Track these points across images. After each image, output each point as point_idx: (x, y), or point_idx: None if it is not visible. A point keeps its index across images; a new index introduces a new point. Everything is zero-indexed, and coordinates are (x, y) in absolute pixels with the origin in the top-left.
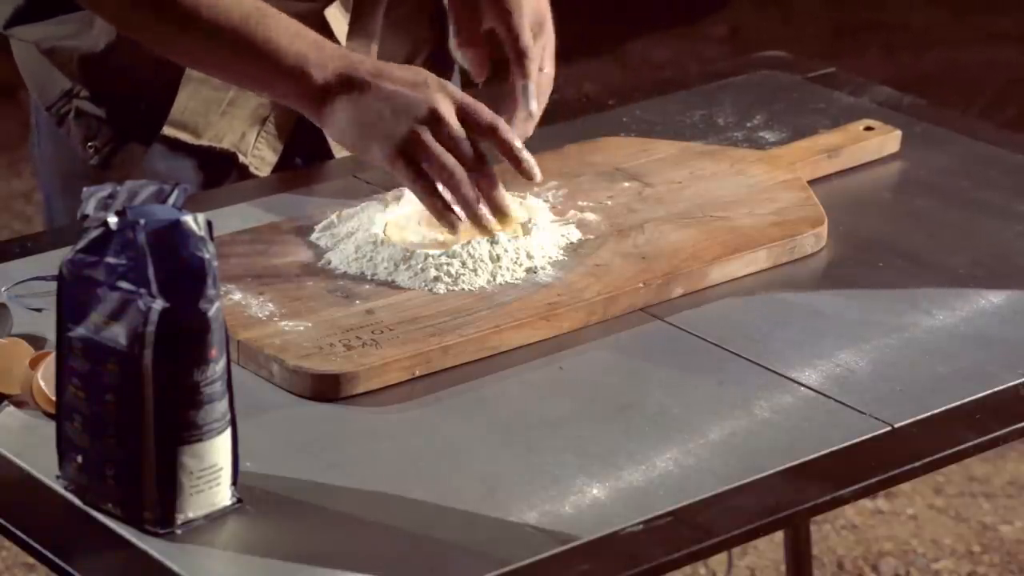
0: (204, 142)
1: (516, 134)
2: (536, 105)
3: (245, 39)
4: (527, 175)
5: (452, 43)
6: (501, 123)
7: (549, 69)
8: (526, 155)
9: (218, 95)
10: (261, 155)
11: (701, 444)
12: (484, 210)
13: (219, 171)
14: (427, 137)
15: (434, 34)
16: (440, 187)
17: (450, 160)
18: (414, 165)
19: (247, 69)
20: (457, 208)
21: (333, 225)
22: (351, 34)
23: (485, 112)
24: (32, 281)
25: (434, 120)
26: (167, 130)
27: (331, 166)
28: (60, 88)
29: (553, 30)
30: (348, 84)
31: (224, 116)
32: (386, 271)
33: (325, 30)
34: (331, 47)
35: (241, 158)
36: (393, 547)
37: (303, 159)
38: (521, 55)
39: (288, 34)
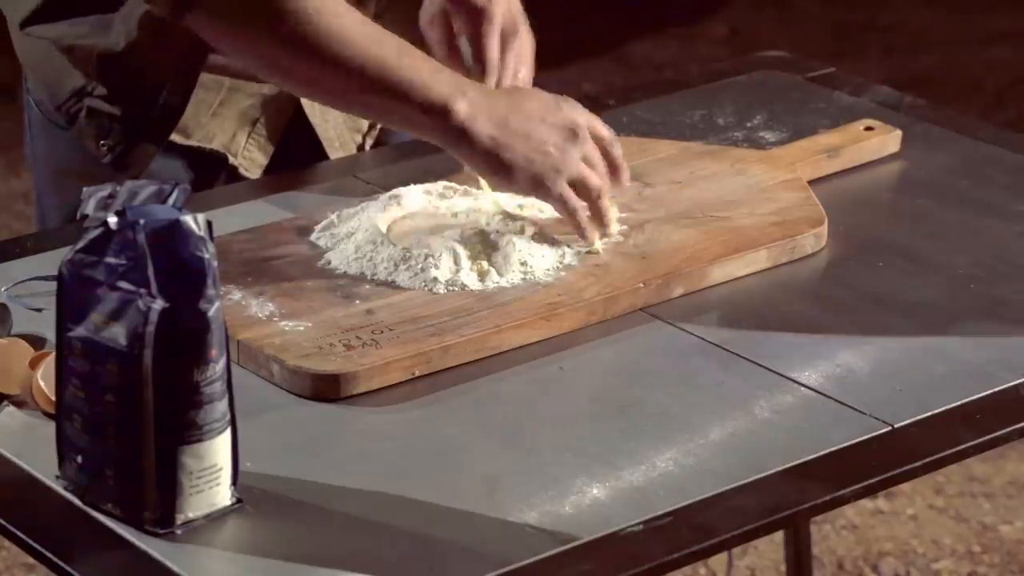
0: (194, 142)
1: None
2: None
3: (386, 77)
4: (620, 186)
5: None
6: (616, 142)
7: (525, 73)
8: (626, 173)
9: (209, 96)
10: (251, 156)
11: (701, 444)
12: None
13: (210, 172)
14: (571, 158)
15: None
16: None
17: (594, 179)
18: (559, 187)
19: (388, 105)
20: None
21: (333, 225)
22: None
23: (604, 129)
24: (32, 281)
25: (576, 140)
26: None
27: (330, 166)
28: (72, 86)
29: (530, 32)
30: (489, 117)
31: (215, 117)
32: (386, 271)
33: None
34: (467, 82)
35: (231, 159)
36: (393, 547)
37: (295, 161)
38: (486, 70)
39: (428, 70)
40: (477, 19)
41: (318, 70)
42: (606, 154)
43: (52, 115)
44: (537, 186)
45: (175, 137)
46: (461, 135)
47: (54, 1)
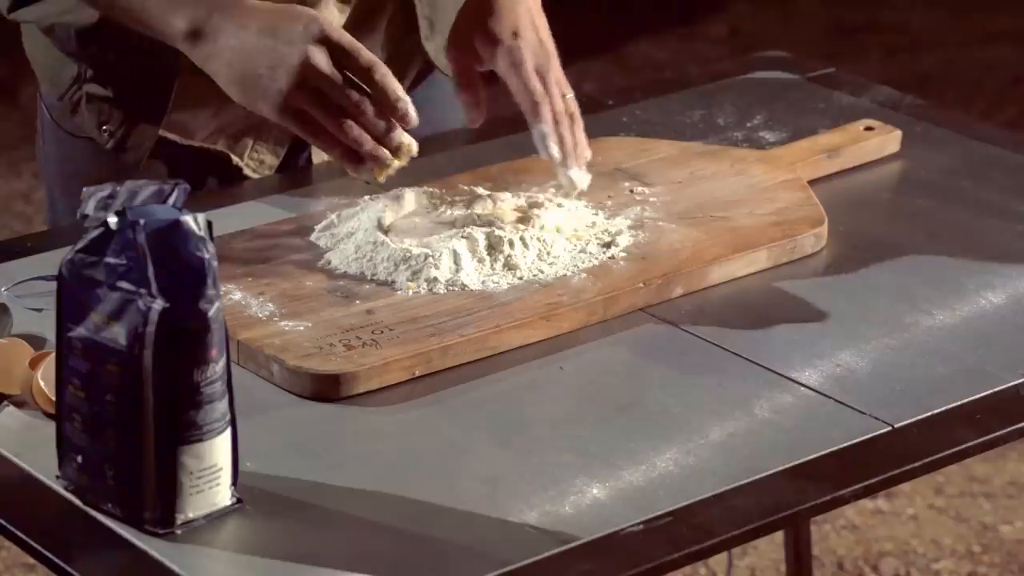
0: (196, 142)
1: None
2: (557, 150)
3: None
4: (404, 121)
5: (453, 88)
6: (379, 66)
7: (571, 96)
8: (403, 102)
9: (211, 97)
10: (260, 158)
11: (701, 444)
12: (379, 148)
13: (217, 172)
14: (308, 90)
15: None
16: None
17: (333, 110)
18: (304, 118)
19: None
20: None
21: (333, 225)
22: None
23: (363, 53)
24: (32, 281)
25: (311, 73)
26: (160, 132)
27: (331, 166)
28: (69, 75)
29: (552, 42)
30: (215, 31)
31: (215, 118)
32: (386, 271)
33: None
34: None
35: (235, 160)
36: (393, 547)
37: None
38: (535, 104)
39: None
40: (512, 59)
41: None
42: (371, 81)
43: (57, 111)
44: (272, 116)
45: (177, 137)
46: (193, 48)
47: None
